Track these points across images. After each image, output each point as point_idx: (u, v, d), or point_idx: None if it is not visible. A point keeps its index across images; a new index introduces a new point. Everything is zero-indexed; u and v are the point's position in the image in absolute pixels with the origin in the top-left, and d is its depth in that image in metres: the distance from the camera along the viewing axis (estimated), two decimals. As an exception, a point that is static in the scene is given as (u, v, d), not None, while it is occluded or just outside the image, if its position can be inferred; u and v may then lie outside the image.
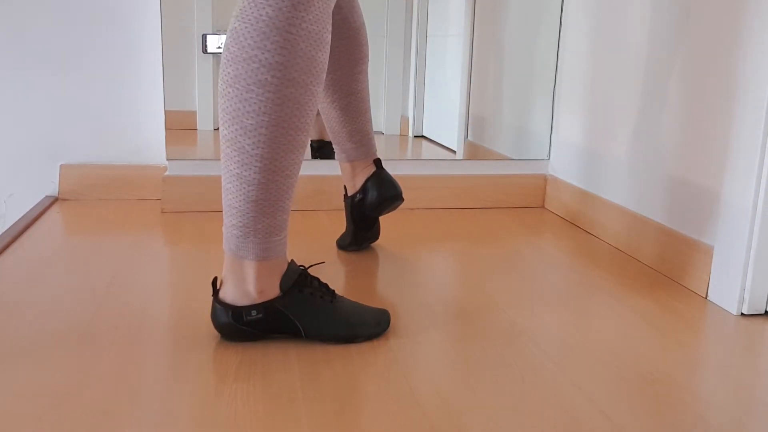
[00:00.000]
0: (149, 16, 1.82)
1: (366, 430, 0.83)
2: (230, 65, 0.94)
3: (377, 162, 1.44)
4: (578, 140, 1.80)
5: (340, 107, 1.40)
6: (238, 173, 0.97)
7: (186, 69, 1.79)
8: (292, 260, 1.07)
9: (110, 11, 1.81)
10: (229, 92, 0.95)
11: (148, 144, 1.88)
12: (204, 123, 1.83)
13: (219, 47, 1.80)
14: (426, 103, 1.96)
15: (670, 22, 1.42)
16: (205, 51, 1.80)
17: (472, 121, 1.96)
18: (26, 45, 1.79)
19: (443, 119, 1.97)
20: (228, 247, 1.02)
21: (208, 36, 1.79)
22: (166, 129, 1.80)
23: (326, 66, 0.98)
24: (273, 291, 1.03)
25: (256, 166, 0.96)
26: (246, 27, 0.93)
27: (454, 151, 1.96)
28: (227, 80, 0.95)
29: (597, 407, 0.90)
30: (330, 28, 0.98)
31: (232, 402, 0.88)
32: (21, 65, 1.80)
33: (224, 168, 0.99)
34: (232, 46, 0.94)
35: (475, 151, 1.96)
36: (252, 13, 0.92)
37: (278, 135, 0.96)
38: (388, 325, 1.10)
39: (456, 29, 1.92)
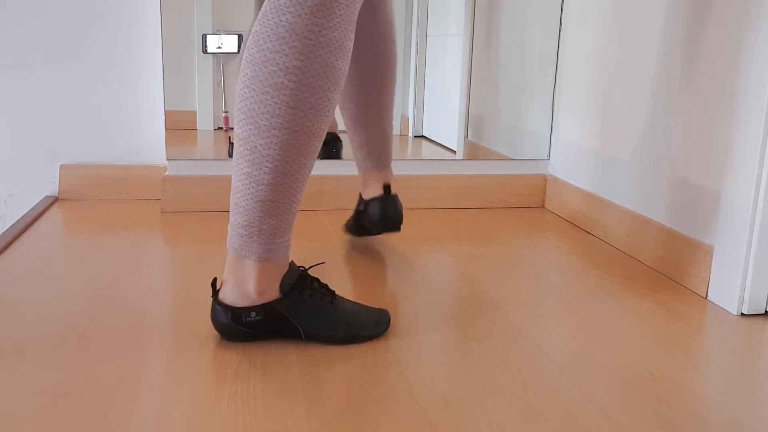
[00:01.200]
0: (149, 16, 1.82)
1: (366, 430, 0.83)
2: (249, 67, 0.95)
3: (386, 187, 1.43)
4: (578, 140, 1.80)
5: (350, 116, 1.40)
6: (248, 172, 0.98)
7: (186, 69, 1.79)
8: (292, 261, 1.07)
9: (110, 11, 1.81)
10: (245, 93, 0.96)
11: (148, 144, 1.88)
12: (204, 123, 1.83)
13: (219, 47, 1.80)
14: (426, 103, 1.96)
15: (670, 22, 1.42)
16: (205, 51, 1.80)
17: (472, 121, 1.96)
18: (26, 45, 1.79)
19: (443, 119, 1.97)
20: (231, 246, 1.02)
21: (208, 36, 1.79)
22: (166, 129, 1.80)
23: (345, 73, 0.98)
24: (273, 293, 1.03)
25: (266, 167, 0.97)
26: (266, 31, 0.94)
27: (454, 151, 1.96)
28: (245, 81, 0.96)
29: (597, 407, 0.90)
30: (352, 36, 0.98)
31: (232, 402, 0.88)
32: (21, 65, 1.80)
33: (235, 166, 1.00)
34: (252, 49, 0.95)
35: (475, 151, 1.96)
36: (273, 18, 0.93)
37: (291, 138, 0.96)
38: (388, 326, 1.10)
39: (456, 29, 1.92)
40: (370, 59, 1.37)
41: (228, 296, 1.03)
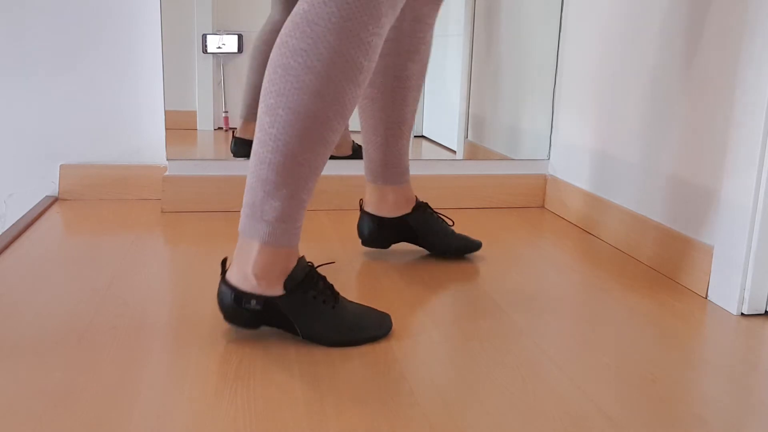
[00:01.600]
0: (149, 16, 1.82)
1: (366, 430, 0.83)
2: (272, 52, 1.01)
3: (360, 201, 1.46)
4: (578, 140, 1.80)
5: (366, 124, 1.42)
6: (256, 150, 1.00)
7: (186, 69, 1.79)
8: (302, 257, 1.06)
9: (110, 11, 1.81)
10: (265, 75, 1.01)
11: (148, 144, 1.88)
12: (204, 123, 1.83)
13: (219, 47, 1.80)
14: (426, 103, 1.96)
15: (670, 22, 1.42)
16: (205, 51, 1.80)
17: (472, 121, 1.96)
18: (26, 45, 1.79)
19: (443, 119, 1.97)
20: (240, 227, 1.04)
21: (208, 36, 1.79)
22: (166, 129, 1.80)
23: (358, 64, 0.98)
24: (275, 284, 1.02)
25: (269, 145, 0.98)
26: (288, 20, 0.99)
27: (454, 151, 1.96)
28: (268, 65, 1.01)
29: (597, 407, 0.90)
30: (374, 31, 0.98)
31: (232, 402, 0.88)
32: (21, 65, 1.80)
33: (252, 148, 1.03)
34: (277, 38, 1.01)
35: (475, 151, 1.96)
36: (295, 10, 0.99)
37: (293, 119, 0.97)
38: (389, 330, 1.09)
39: (456, 29, 1.92)
40: (380, 76, 1.37)
41: (233, 277, 1.03)
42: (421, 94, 1.95)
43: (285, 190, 1.00)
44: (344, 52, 0.96)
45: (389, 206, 1.44)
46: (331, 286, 1.07)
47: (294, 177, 1.00)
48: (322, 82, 0.96)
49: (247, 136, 1.82)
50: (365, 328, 1.06)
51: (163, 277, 1.31)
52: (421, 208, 1.45)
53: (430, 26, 1.37)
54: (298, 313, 1.03)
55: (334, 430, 0.83)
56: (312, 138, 0.98)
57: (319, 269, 1.36)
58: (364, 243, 1.46)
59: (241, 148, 1.82)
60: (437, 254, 1.48)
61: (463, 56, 1.92)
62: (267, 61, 1.75)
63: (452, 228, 1.53)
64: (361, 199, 1.47)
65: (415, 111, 1.42)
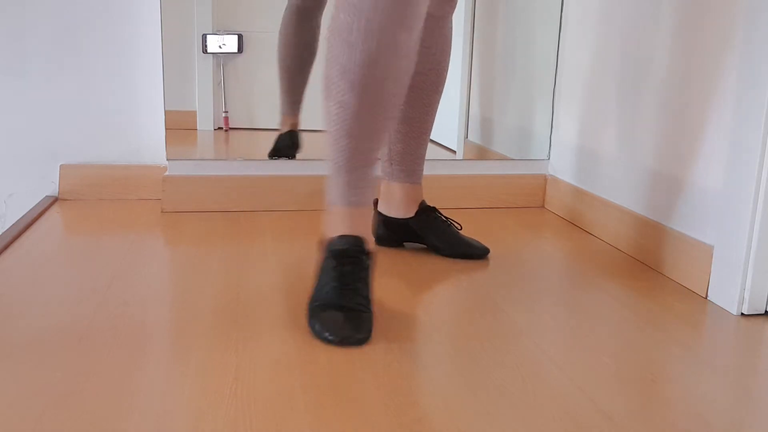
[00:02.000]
0: (149, 16, 1.82)
1: (366, 430, 0.83)
2: None
3: (374, 202, 1.49)
4: (578, 140, 1.80)
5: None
6: None
7: (186, 69, 1.79)
8: (356, 236, 1.12)
9: (110, 11, 1.81)
10: None
11: (148, 144, 1.88)
12: (204, 123, 1.83)
13: (219, 47, 1.80)
14: (426, 103, 1.96)
15: (670, 21, 1.42)
16: (205, 51, 1.80)
17: (472, 121, 1.96)
18: (26, 45, 1.79)
19: (443, 119, 1.97)
20: None
21: (208, 36, 1.79)
22: (166, 129, 1.80)
23: (350, 25, 1.04)
24: (326, 240, 1.15)
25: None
26: None
27: (454, 151, 1.96)
28: None
29: (597, 407, 0.90)
30: (373, 5, 1.02)
31: (232, 402, 0.88)
32: (21, 65, 1.80)
33: None
34: None
35: (474, 151, 1.96)
36: None
37: (325, 83, 1.10)
38: (347, 343, 1.05)
39: (456, 29, 1.92)
40: (427, 71, 1.40)
41: None
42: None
43: (329, 147, 1.12)
44: (338, 17, 1.06)
45: (395, 204, 1.46)
46: (352, 278, 1.09)
47: (329, 128, 1.10)
48: (326, 45, 1.09)
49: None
50: (329, 327, 1.06)
51: (163, 277, 1.31)
52: (425, 212, 1.45)
53: (430, 32, 1.37)
54: (320, 270, 1.15)
55: (334, 430, 0.83)
56: (328, 94, 1.09)
57: None
58: (376, 242, 1.49)
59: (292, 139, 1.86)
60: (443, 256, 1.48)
61: (463, 56, 1.92)
62: (294, 51, 1.78)
63: (460, 231, 1.53)
64: (375, 198, 1.49)
65: (423, 114, 1.43)
